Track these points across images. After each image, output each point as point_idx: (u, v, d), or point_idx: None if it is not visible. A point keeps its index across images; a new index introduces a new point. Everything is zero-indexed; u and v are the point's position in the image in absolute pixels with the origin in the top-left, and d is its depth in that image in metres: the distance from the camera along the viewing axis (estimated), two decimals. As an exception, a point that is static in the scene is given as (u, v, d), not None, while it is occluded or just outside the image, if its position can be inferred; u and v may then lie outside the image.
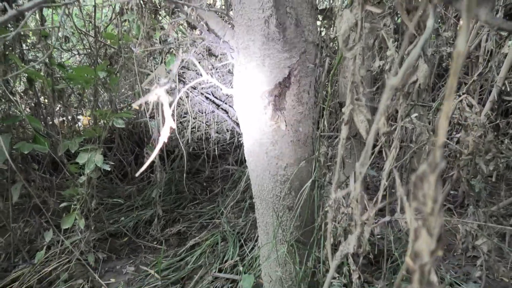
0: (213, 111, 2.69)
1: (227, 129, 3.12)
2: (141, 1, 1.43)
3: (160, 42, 1.94)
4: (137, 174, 0.71)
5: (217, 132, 3.04)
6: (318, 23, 1.87)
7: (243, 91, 1.21)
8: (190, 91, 2.42)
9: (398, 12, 0.68)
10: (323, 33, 1.65)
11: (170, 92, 2.65)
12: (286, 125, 1.22)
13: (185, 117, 2.90)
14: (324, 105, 1.61)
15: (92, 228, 2.00)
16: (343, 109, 0.76)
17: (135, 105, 0.71)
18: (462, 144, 0.89)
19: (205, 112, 2.86)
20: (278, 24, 1.01)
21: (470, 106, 0.91)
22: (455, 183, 1.14)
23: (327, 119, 1.15)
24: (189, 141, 2.86)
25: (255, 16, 1.09)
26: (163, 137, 0.68)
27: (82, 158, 1.87)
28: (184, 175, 2.50)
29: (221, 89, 2.84)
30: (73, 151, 1.97)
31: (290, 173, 1.29)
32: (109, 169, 1.80)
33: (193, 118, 2.78)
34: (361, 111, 0.72)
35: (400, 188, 0.45)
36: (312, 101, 1.26)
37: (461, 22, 0.63)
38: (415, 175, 0.27)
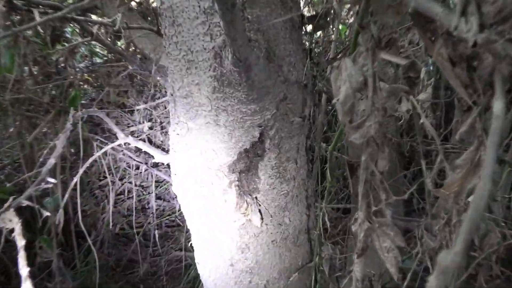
0: (147, 169, 2.56)
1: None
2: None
3: (57, 72, 1.83)
4: None
5: (159, 198, 2.89)
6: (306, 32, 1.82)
7: (185, 164, 1.11)
8: (109, 142, 2.30)
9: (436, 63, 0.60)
10: (315, 52, 1.59)
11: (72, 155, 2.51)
12: (262, 218, 1.12)
13: (106, 177, 2.75)
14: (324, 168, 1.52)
15: None
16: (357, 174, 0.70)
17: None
18: None
19: (138, 169, 2.72)
20: (236, 60, 0.92)
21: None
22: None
23: (326, 211, 1.05)
24: (112, 217, 2.70)
25: (198, 46, 1.00)
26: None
27: None
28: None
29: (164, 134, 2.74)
30: None
31: (275, 295, 1.17)
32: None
33: (119, 180, 2.64)
34: (385, 233, 0.62)
35: None
36: (304, 174, 1.17)
37: None
38: None
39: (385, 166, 0.64)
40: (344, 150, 1.47)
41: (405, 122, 1.44)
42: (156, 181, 2.83)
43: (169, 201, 2.96)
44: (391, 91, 0.70)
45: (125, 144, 1.71)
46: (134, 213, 2.77)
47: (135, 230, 2.77)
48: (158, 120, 2.64)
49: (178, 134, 1.11)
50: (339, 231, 1.71)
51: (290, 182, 1.13)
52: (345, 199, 1.87)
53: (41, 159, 2.19)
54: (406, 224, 1.53)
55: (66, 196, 1.57)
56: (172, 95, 1.10)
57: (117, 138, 1.41)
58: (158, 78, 1.26)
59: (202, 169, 1.08)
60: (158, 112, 2.55)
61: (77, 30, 2.17)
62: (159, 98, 2.54)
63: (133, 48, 1.93)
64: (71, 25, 2.06)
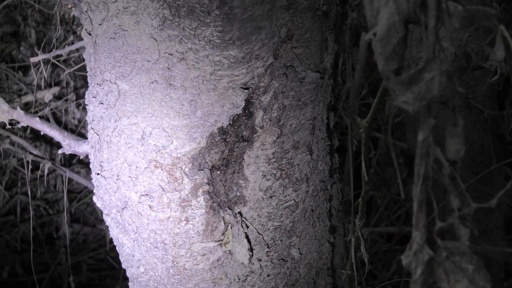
0: (53, 170, 1.98)
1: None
2: None
3: None
4: None
5: (76, 221, 2.30)
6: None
7: (114, 157, 0.90)
8: None
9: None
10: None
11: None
12: (251, 249, 0.92)
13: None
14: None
15: None
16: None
17: None
18: None
19: (38, 170, 2.14)
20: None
21: None
22: None
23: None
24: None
25: None
26: None
27: None
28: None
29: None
30: None
31: None
32: None
33: (5, 190, 2.15)
34: (459, 268, 0.45)
35: None
36: (324, 171, 0.97)
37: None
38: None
39: (460, 151, 0.48)
40: (399, 129, 1.20)
41: (503, 79, 1.13)
42: (70, 191, 2.21)
43: (94, 226, 2.36)
44: (470, 17, 0.48)
45: (13, 125, 1.25)
46: (32, 247, 1.98)
47: (35, 277, 1.96)
48: (72, 84, 2.00)
49: (101, 104, 0.90)
50: (392, 273, 1.31)
51: (301, 186, 0.93)
52: (401, 218, 1.47)
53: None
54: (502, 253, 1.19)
55: None
56: (90, 34, 0.88)
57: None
58: (69, 5, 1.06)
59: (145, 164, 0.88)
60: (72, 69, 1.87)
61: None
62: (73, 43, 1.86)
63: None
64: None
